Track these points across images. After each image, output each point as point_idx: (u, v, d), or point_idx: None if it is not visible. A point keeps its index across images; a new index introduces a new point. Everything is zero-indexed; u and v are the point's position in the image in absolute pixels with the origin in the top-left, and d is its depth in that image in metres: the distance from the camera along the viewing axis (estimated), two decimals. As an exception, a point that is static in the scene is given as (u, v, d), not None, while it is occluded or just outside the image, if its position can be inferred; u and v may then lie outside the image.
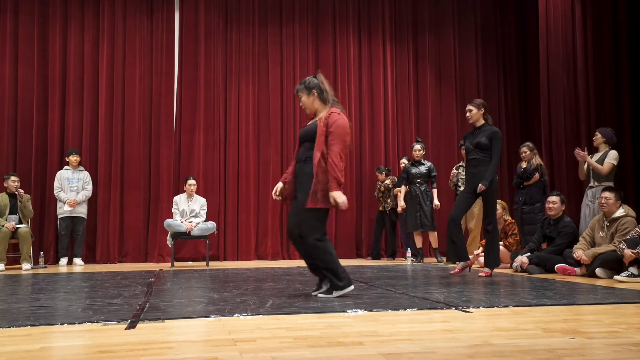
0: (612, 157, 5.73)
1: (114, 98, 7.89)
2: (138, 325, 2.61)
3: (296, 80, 8.45)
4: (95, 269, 6.42)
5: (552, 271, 5.31)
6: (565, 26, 7.12)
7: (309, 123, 3.69)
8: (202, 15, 8.21)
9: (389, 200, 7.80)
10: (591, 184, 5.85)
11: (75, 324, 2.67)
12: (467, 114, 5.09)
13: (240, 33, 8.35)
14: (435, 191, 7.32)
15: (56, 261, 7.31)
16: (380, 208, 7.93)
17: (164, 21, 8.15)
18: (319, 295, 3.59)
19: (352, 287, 3.58)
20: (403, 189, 7.36)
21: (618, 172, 5.91)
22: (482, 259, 5.58)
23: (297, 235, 3.52)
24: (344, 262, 7.29)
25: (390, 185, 7.81)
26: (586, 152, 5.78)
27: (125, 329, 2.54)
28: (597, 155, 5.84)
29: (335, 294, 3.53)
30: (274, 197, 3.78)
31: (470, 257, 6.62)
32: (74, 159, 7.32)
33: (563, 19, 7.15)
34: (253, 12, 8.41)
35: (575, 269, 5.11)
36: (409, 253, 7.28)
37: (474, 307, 3.10)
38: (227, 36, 8.33)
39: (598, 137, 5.88)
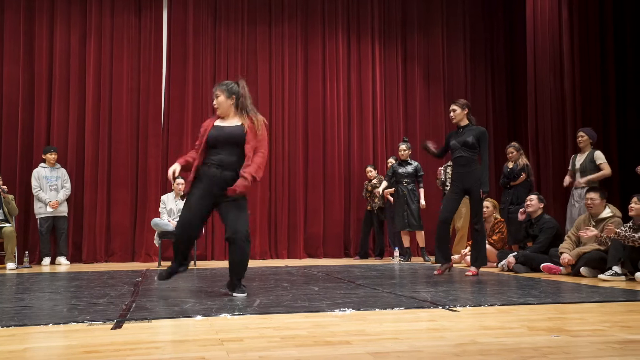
0: (602, 157, 5.83)
1: (101, 96, 7.82)
2: (124, 325, 2.60)
3: (285, 80, 8.45)
4: (81, 269, 6.37)
5: (538, 270, 5.37)
6: (552, 27, 7.18)
7: (227, 125, 3.74)
8: (191, 13, 8.17)
9: (376, 200, 7.83)
10: (577, 184, 5.93)
11: (60, 324, 2.65)
12: (451, 114, 5.14)
13: (229, 31, 8.32)
14: (422, 191, 7.35)
15: (40, 261, 7.23)
16: (368, 207, 7.95)
17: (152, 19, 8.09)
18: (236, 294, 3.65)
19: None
20: (384, 183, 7.42)
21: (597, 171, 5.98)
22: (469, 258, 5.62)
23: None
24: (332, 262, 7.35)
25: (377, 185, 7.84)
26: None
27: (112, 329, 2.52)
28: (582, 156, 5.91)
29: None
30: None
31: (458, 256, 6.70)
32: (52, 156, 7.23)
33: (550, 20, 7.21)
34: (242, 11, 8.38)
35: (561, 267, 5.17)
36: (396, 252, 7.31)
37: (460, 306, 3.12)
38: (216, 34, 8.29)
39: (585, 138, 5.94)
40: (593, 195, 5.17)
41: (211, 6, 8.30)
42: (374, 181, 7.89)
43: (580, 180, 5.84)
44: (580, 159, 5.93)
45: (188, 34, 8.14)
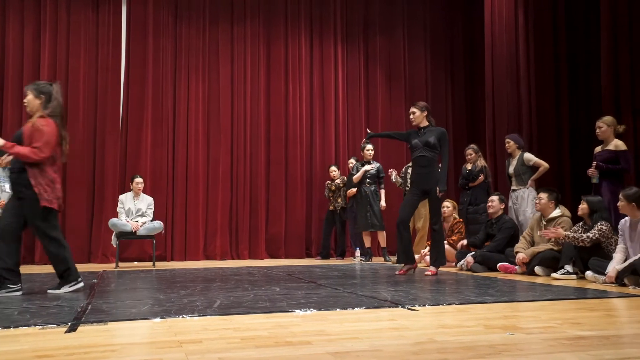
0: (532, 156, 6.15)
1: (56, 93, 7.58)
2: (79, 328, 2.53)
3: (247, 79, 8.39)
4: (34, 270, 6.15)
5: (495, 269, 5.50)
6: (509, 32, 7.38)
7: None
8: (151, 10, 8.01)
9: (339, 200, 7.86)
10: (512, 187, 6.21)
11: (10, 327, 2.55)
12: (411, 116, 5.24)
13: (190, 30, 8.20)
14: (383, 192, 7.44)
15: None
16: (331, 207, 7.98)
17: (110, 15, 7.90)
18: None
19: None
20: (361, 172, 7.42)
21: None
22: (428, 258, 5.71)
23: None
24: (293, 262, 7.34)
25: (341, 185, 7.87)
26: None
27: (66, 332, 2.45)
28: (514, 161, 6.22)
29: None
30: None
31: (418, 256, 6.80)
32: (6, 158, 6.97)
33: (507, 26, 7.41)
34: (204, 9, 8.28)
35: (516, 267, 5.31)
36: (358, 252, 7.36)
37: (420, 305, 3.17)
38: (177, 33, 8.16)
39: (511, 144, 6.28)
40: (542, 194, 5.39)
41: (172, 4, 8.16)
42: (337, 181, 7.92)
43: (516, 185, 6.17)
44: (512, 164, 6.22)
45: (148, 31, 7.99)
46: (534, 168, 6.12)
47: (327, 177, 8.16)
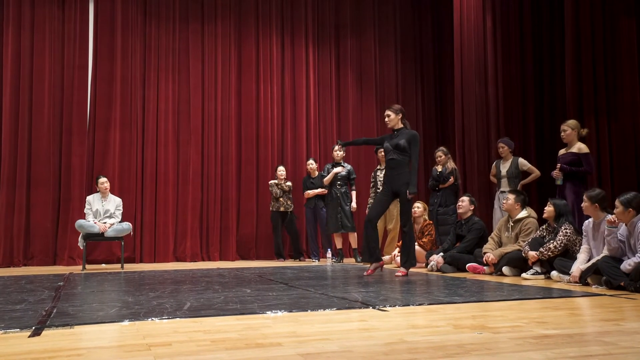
0: (526, 162, 6.33)
1: (20, 91, 7.39)
2: (43, 332, 2.46)
3: (218, 79, 8.32)
4: (-4, 273, 5.99)
5: (464, 270, 5.59)
6: (477, 36, 7.50)
7: None
8: (119, 7, 7.88)
9: (289, 202, 7.83)
10: (502, 188, 6.31)
11: (-29, 332, 2.47)
12: (386, 119, 5.30)
13: (159, 28, 8.09)
14: (354, 193, 7.47)
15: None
16: (282, 209, 7.85)
17: (77, 11, 7.73)
18: None
19: None
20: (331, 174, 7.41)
21: (522, 176, 6.37)
22: (399, 259, 5.76)
23: None
24: (264, 263, 7.30)
25: (290, 188, 7.85)
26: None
27: (29, 336, 2.39)
28: (507, 163, 6.32)
29: None
30: None
31: (388, 257, 6.86)
32: None
33: (475, 30, 7.53)
34: (173, 8, 8.18)
35: (485, 267, 5.40)
36: (329, 254, 7.37)
37: (390, 306, 3.20)
38: (146, 31, 8.04)
39: (505, 149, 6.40)
40: (509, 195, 5.55)
41: (140, 1, 8.04)
42: (289, 183, 7.89)
43: (507, 187, 6.23)
44: (505, 166, 6.33)
45: (116, 29, 7.85)
46: (526, 172, 6.28)
47: (300, 178, 8.12)
